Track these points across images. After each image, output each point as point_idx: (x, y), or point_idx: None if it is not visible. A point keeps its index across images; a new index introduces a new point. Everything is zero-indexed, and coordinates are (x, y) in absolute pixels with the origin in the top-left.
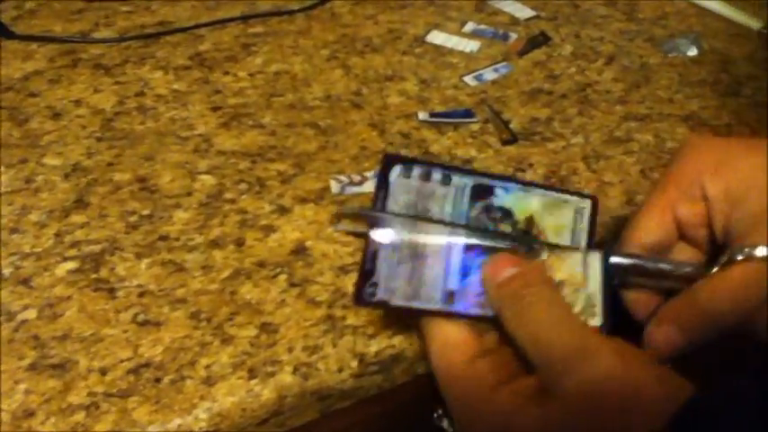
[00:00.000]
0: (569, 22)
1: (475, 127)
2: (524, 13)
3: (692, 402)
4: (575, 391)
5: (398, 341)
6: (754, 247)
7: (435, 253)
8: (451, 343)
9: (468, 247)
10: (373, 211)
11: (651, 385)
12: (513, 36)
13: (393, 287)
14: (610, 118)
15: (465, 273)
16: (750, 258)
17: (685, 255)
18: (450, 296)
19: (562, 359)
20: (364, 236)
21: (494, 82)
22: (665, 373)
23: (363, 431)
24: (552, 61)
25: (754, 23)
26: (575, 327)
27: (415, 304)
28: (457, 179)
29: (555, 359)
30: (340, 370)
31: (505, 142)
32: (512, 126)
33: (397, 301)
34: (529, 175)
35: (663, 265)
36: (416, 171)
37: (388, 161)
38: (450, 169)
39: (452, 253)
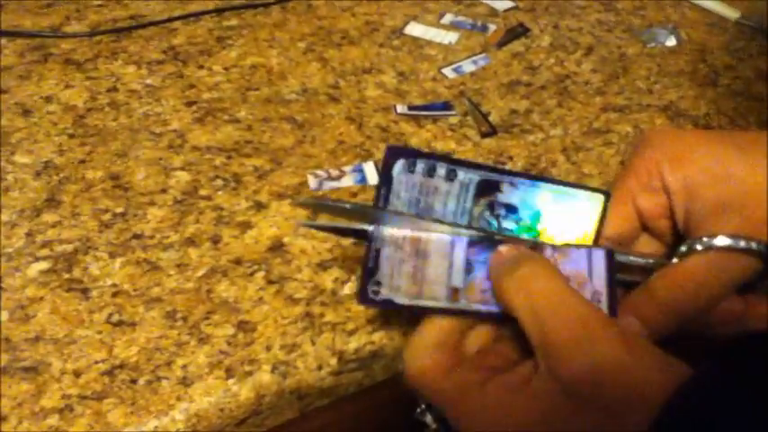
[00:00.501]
0: (548, 13)
1: (454, 120)
2: (502, 4)
3: (683, 388)
4: (578, 376)
5: (378, 337)
6: (713, 236)
7: (438, 250)
8: (428, 367)
9: (472, 243)
10: (340, 203)
11: (655, 374)
12: (492, 27)
13: (397, 285)
14: (589, 109)
15: (469, 269)
16: (709, 248)
17: (649, 247)
18: (454, 293)
19: (565, 341)
20: (337, 232)
21: (472, 74)
22: (667, 361)
23: (344, 429)
24: (531, 52)
25: (731, 14)
26: (579, 303)
27: (420, 302)
28: (462, 174)
29: (557, 340)
30: (319, 368)
31: (485, 135)
32: (491, 118)
33: (402, 299)
34: (509, 167)
35: (622, 258)
36: (420, 166)
37: (392, 154)
38: (456, 163)
39: (456, 249)
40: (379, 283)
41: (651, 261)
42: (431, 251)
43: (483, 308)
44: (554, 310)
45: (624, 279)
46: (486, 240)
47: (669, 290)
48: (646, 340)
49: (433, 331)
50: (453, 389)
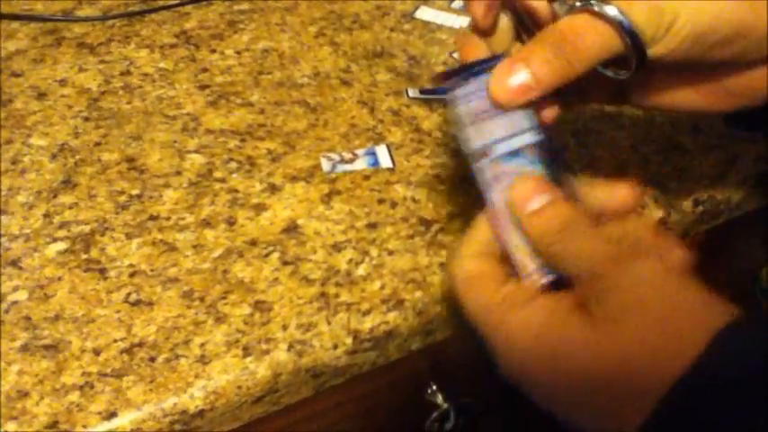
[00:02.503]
0: None
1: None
2: None
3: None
4: (628, 300)
5: (392, 317)
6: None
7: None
8: (475, 276)
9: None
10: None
11: (693, 301)
12: None
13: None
14: None
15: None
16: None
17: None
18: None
19: (607, 264)
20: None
21: None
22: (706, 295)
23: (357, 408)
24: None
25: None
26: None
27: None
28: None
29: (598, 267)
30: (335, 347)
31: None
32: None
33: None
34: None
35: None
36: None
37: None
38: None
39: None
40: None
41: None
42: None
43: None
44: (596, 249)
45: None
46: None
47: (573, 29)
48: (687, 274)
49: (478, 240)
50: (496, 303)
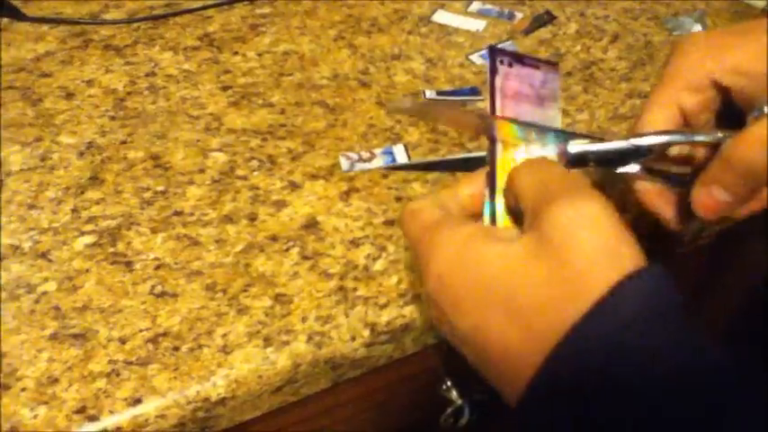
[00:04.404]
0: (574, 1)
1: (482, 104)
2: None
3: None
4: (562, 222)
5: (409, 311)
6: None
7: None
8: (422, 207)
9: None
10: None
11: (629, 241)
12: (519, 15)
13: None
14: (614, 95)
15: None
16: None
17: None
18: None
19: (555, 191)
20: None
21: None
22: (631, 243)
23: (372, 402)
24: (557, 40)
25: (758, 2)
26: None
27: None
28: None
29: (548, 193)
30: (352, 339)
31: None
32: None
33: None
34: None
35: (698, 137)
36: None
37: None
38: None
39: None
40: None
41: (720, 135)
42: None
43: None
44: (548, 178)
45: (677, 173)
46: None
47: (745, 153)
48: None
49: (438, 198)
50: (432, 222)
